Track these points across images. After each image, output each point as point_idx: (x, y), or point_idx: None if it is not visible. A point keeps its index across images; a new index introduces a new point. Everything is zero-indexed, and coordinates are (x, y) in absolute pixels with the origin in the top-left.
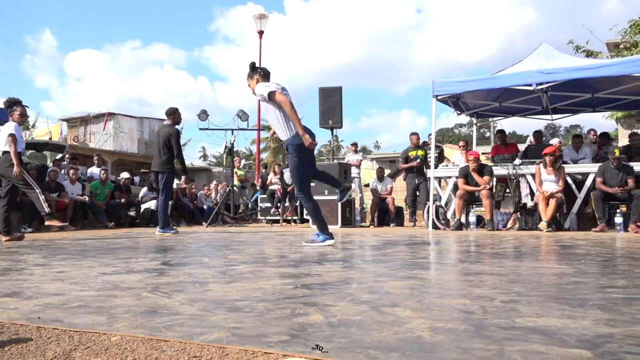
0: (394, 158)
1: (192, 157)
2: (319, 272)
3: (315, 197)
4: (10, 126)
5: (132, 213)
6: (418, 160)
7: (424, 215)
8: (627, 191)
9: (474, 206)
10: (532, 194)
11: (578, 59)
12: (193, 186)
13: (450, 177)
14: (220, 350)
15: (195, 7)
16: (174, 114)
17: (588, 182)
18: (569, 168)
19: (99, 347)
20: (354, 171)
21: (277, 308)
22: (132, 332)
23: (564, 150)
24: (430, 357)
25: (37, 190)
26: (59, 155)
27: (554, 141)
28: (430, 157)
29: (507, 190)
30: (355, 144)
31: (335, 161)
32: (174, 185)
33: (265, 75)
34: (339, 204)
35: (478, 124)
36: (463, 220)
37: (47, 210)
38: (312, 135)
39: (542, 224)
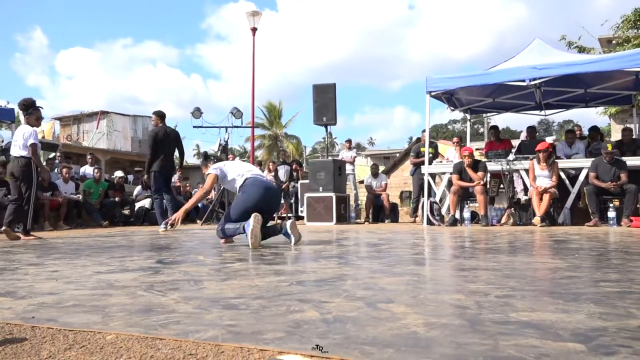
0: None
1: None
2: (314, 269)
3: (309, 194)
4: (29, 133)
5: (126, 212)
6: (423, 157)
7: (419, 210)
8: (619, 186)
9: (468, 202)
10: (525, 189)
11: (571, 55)
12: (187, 184)
13: (444, 173)
14: (215, 347)
15: (187, 4)
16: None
17: (581, 177)
18: (562, 163)
19: (94, 346)
20: (348, 168)
21: (273, 305)
22: (127, 330)
23: (557, 146)
24: (425, 352)
25: (30, 208)
26: (52, 154)
27: (550, 139)
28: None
29: (501, 186)
30: (349, 141)
31: (330, 158)
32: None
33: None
34: (334, 200)
35: (472, 120)
36: (457, 216)
37: (27, 227)
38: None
39: (536, 219)
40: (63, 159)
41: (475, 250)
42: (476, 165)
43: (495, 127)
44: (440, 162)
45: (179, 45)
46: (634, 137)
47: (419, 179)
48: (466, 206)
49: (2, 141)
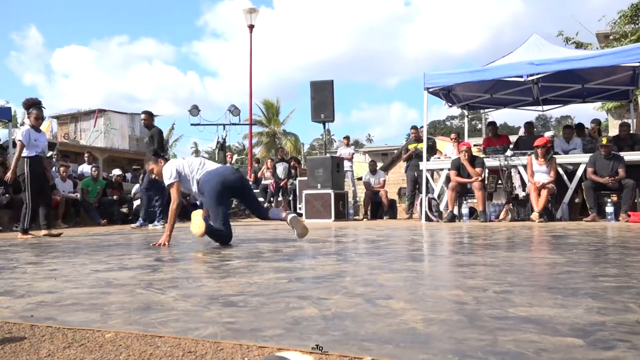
0: (387, 151)
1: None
2: (312, 266)
3: (308, 191)
4: (20, 132)
5: (124, 210)
6: (408, 154)
7: (417, 207)
8: (617, 181)
9: (467, 198)
10: (524, 185)
11: (568, 50)
12: None
13: (442, 170)
14: (214, 345)
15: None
16: None
17: (579, 173)
18: (560, 159)
19: (93, 344)
20: (346, 164)
21: (271, 302)
22: (126, 328)
23: (555, 141)
24: (424, 348)
25: (29, 206)
26: (50, 153)
27: (549, 134)
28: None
29: (499, 182)
30: (347, 138)
31: (328, 155)
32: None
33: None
34: (332, 197)
35: (469, 116)
36: (456, 212)
37: (25, 226)
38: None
39: (534, 215)
40: (60, 158)
41: (473, 246)
42: (473, 160)
43: (493, 123)
44: (439, 158)
45: (175, 42)
46: (631, 132)
47: (412, 175)
48: (464, 202)
49: None
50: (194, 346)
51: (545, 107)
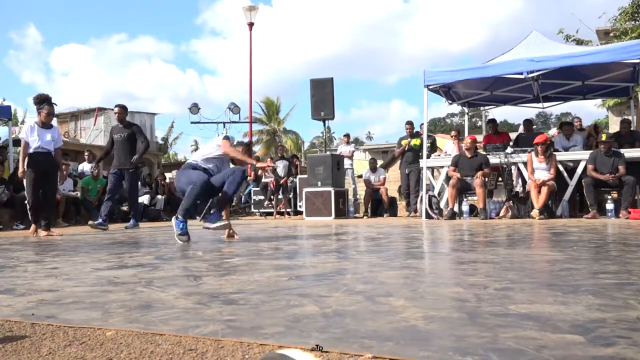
0: (387, 149)
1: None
2: (313, 264)
3: (308, 189)
4: (24, 129)
5: (124, 208)
6: (401, 149)
7: (418, 204)
8: (617, 178)
9: (467, 195)
10: (524, 182)
11: (568, 47)
12: None
13: (442, 167)
14: (215, 342)
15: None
16: None
17: (579, 170)
18: (560, 156)
19: (94, 343)
20: (346, 162)
21: (272, 300)
22: (127, 326)
23: (555, 138)
24: (424, 345)
25: (29, 205)
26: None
27: (552, 131)
28: (423, 146)
29: (500, 179)
30: (347, 135)
31: (328, 153)
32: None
33: None
34: (332, 195)
35: (470, 113)
36: (456, 209)
37: (41, 224)
38: None
39: (534, 212)
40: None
41: (474, 243)
42: (477, 158)
43: (493, 120)
44: (439, 155)
45: (174, 41)
46: (631, 128)
47: (404, 172)
48: (465, 199)
49: None
50: (194, 344)
51: (546, 104)
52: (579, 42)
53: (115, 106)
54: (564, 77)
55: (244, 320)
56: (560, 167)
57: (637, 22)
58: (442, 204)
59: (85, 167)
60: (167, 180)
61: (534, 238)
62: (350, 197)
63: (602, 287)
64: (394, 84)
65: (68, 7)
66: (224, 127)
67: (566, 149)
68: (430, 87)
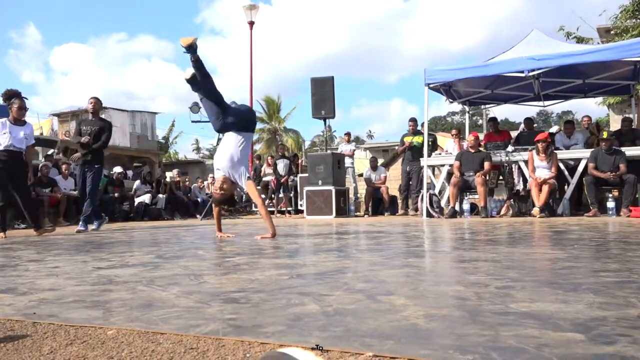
0: (387, 147)
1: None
2: (314, 262)
3: (309, 188)
4: None
5: (125, 207)
6: (404, 147)
7: (419, 203)
8: (618, 176)
9: (468, 194)
10: (525, 180)
11: (569, 45)
12: (187, 179)
13: (443, 166)
14: (216, 341)
15: None
16: None
17: (580, 168)
18: (561, 154)
19: (95, 341)
20: (347, 161)
21: (273, 299)
22: (128, 325)
23: (556, 137)
24: (425, 343)
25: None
26: (51, 151)
27: (554, 129)
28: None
29: (500, 178)
30: (348, 134)
31: (329, 151)
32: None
33: None
34: (333, 194)
35: (470, 112)
36: (457, 207)
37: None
38: None
39: (535, 210)
40: (68, 155)
41: (474, 241)
42: (480, 152)
43: (494, 119)
44: (440, 154)
45: (174, 39)
46: (632, 127)
47: (405, 170)
48: (465, 198)
49: None
50: (195, 343)
51: (546, 103)
52: (580, 40)
53: (91, 97)
54: (565, 76)
55: (245, 319)
56: (561, 166)
57: (638, 20)
58: (442, 203)
59: None
60: (168, 179)
61: (535, 236)
62: (351, 195)
63: (603, 286)
64: (394, 82)
65: (68, 7)
66: None
67: (567, 147)
68: (431, 85)
